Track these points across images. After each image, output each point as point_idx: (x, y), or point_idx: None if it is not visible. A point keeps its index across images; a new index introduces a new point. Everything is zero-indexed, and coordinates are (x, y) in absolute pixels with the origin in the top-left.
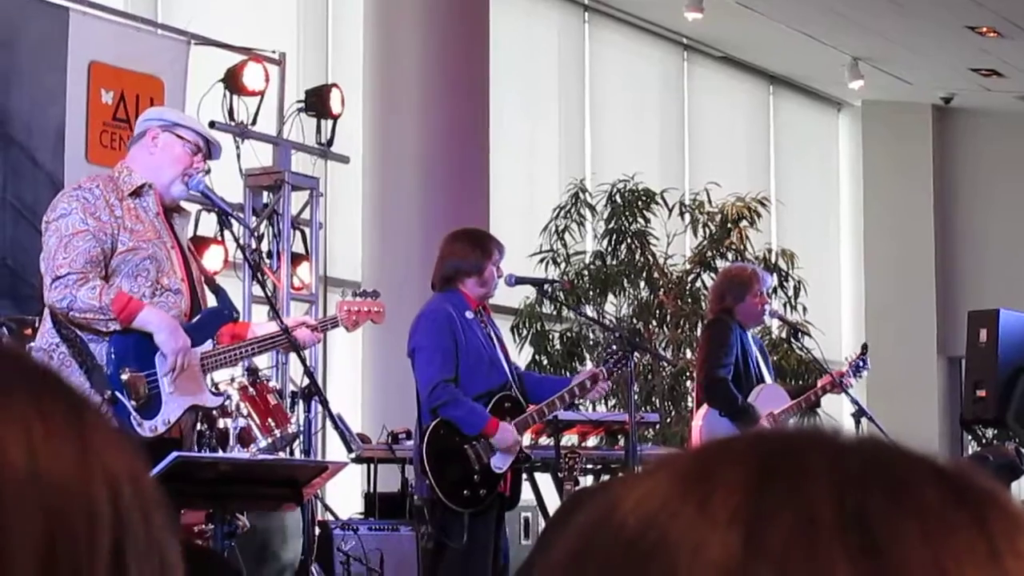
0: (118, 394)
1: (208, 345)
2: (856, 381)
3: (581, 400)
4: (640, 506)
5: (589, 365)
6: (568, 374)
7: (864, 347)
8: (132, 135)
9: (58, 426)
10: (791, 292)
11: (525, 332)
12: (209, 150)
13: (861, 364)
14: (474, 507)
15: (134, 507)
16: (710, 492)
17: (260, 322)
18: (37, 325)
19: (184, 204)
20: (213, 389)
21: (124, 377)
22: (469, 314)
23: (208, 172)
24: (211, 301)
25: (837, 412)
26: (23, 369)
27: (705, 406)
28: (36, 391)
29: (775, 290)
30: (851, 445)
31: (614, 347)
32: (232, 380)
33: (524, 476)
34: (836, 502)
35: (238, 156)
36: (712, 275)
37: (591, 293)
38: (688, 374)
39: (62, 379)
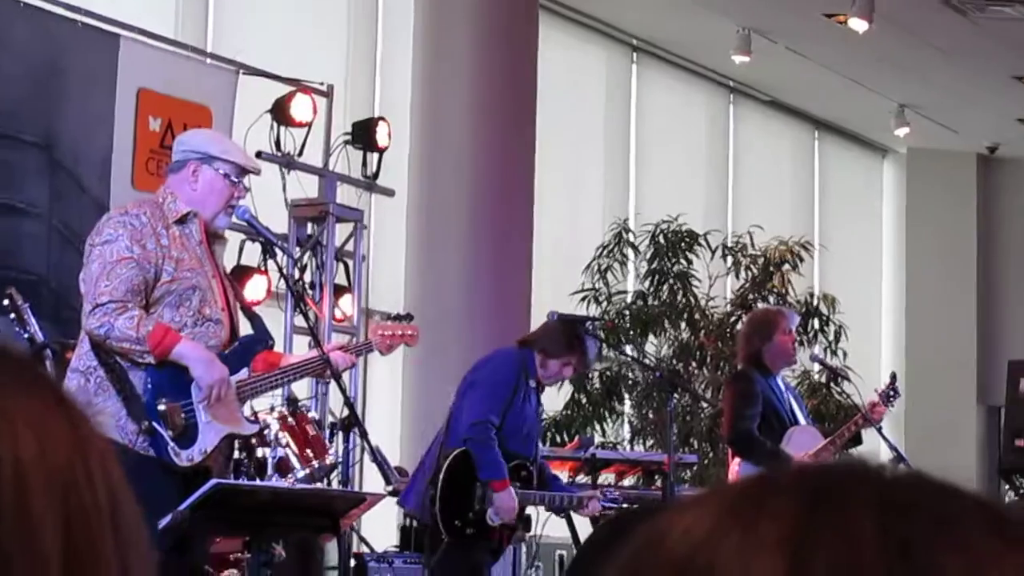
0: (155, 424)
1: (244, 373)
2: (890, 408)
3: (573, 509)
4: (689, 532)
5: (628, 404)
6: (607, 413)
7: (893, 376)
8: (169, 161)
9: (51, 410)
10: (832, 337)
11: None
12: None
13: (892, 393)
14: (455, 537)
15: (113, 470)
16: (757, 518)
17: (295, 354)
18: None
19: (226, 232)
20: (250, 417)
21: (161, 407)
22: (532, 382)
23: (248, 190)
24: (246, 328)
25: (874, 458)
26: (13, 366)
27: None
28: (28, 384)
29: (815, 335)
30: (897, 477)
31: (613, 493)
32: (272, 410)
33: (561, 515)
34: (881, 531)
35: (284, 187)
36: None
37: (631, 333)
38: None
39: (44, 372)
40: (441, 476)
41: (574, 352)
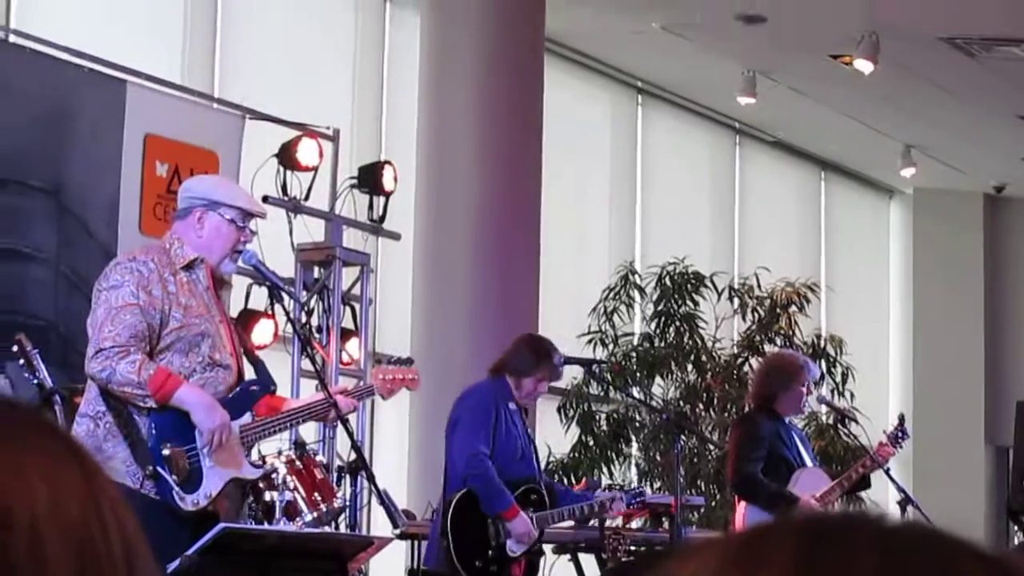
0: (160, 469)
1: (247, 418)
2: (898, 450)
3: (599, 515)
4: None
5: (635, 447)
6: (614, 456)
7: (901, 417)
8: (176, 207)
9: (64, 463)
10: (839, 378)
11: (572, 412)
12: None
13: (900, 435)
14: None
15: (127, 519)
16: (758, 565)
17: (300, 398)
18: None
19: (233, 277)
20: (255, 461)
21: (165, 452)
22: (512, 405)
23: (255, 234)
24: (249, 373)
25: (883, 500)
26: (25, 420)
27: None
28: (41, 437)
29: (823, 376)
30: (896, 528)
31: (639, 489)
32: (279, 454)
33: (568, 558)
34: None
35: (290, 231)
36: (760, 359)
37: (638, 375)
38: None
39: (55, 424)
40: (449, 524)
41: (542, 365)
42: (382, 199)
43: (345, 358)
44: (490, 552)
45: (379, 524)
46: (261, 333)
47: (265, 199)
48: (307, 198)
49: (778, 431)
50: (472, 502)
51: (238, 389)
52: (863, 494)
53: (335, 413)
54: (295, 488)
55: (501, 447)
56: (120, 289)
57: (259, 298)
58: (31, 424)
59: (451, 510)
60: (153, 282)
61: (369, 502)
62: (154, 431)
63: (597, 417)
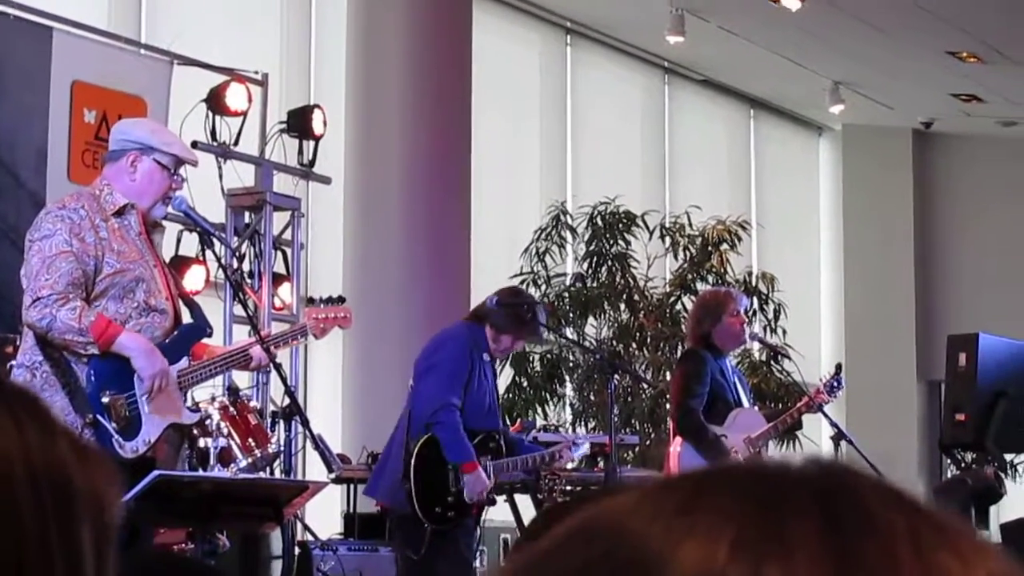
0: (99, 417)
1: (184, 362)
2: (832, 400)
3: (547, 466)
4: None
5: (569, 387)
6: (548, 396)
7: (838, 367)
8: (107, 149)
9: None
10: (771, 315)
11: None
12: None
13: (836, 384)
14: (439, 525)
15: (69, 458)
16: (787, 555)
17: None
18: (19, 343)
19: (163, 221)
20: (191, 406)
21: (105, 400)
22: (486, 356)
23: (184, 180)
24: (186, 317)
25: (816, 435)
26: None
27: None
28: None
29: (754, 313)
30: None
31: (583, 444)
32: (213, 400)
33: (504, 498)
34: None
35: (220, 176)
36: (692, 298)
37: (571, 315)
38: (667, 397)
39: None
40: (412, 468)
41: (526, 325)
42: (312, 143)
43: (277, 303)
44: (450, 498)
45: (314, 468)
46: (192, 279)
47: (194, 145)
48: (236, 143)
49: (721, 368)
50: (435, 448)
51: (175, 333)
52: (796, 432)
53: (268, 357)
54: (229, 434)
55: (471, 399)
56: (53, 238)
57: (190, 244)
58: None
59: (415, 455)
60: (85, 229)
61: (304, 447)
62: (93, 378)
63: (531, 358)
